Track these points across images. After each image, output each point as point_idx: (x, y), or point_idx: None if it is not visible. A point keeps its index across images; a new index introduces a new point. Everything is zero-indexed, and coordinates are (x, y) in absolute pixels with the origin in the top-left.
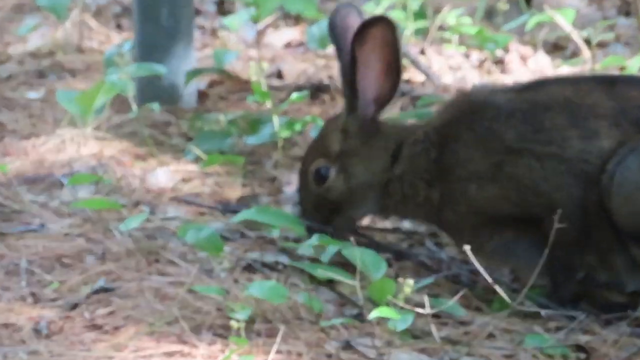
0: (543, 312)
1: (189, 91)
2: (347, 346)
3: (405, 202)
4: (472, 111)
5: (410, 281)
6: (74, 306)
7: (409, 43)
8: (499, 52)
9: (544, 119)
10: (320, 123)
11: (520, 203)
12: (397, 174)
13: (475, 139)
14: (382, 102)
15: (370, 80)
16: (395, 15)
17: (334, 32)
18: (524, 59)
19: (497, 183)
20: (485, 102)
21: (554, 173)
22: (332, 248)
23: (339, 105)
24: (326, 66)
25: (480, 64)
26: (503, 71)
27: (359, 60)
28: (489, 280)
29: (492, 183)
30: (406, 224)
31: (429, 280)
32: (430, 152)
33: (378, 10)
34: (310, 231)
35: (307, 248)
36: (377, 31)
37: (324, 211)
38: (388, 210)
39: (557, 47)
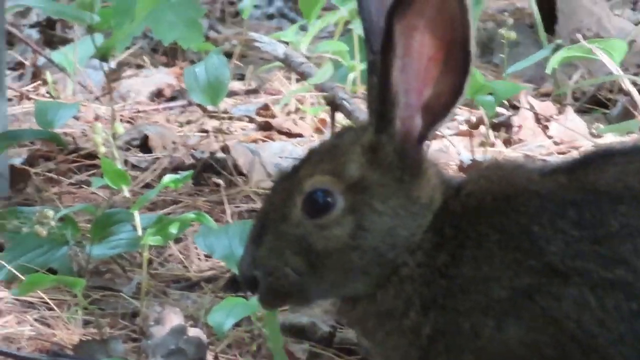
0: None
1: None
2: None
3: (389, 317)
4: (506, 198)
5: None
6: None
7: (354, 93)
8: (502, 110)
9: (610, 220)
10: (212, 225)
11: (557, 358)
12: (418, 259)
13: (507, 245)
14: (435, 114)
15: (417, 74)
16: (336, 48)
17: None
18: (542, 121)
19: (523, 322)
20: (524, 188)
21: (619, 315)
22: None
23: (240, 196)
24: (220, 130)
25: (470, 129)
26: (508, 141)
27: (397, 41)
28: None
29: (517, 320)
30: None
31: None
32: (437, 254)
33: (307, 38)
34: None
35: None
36: None
37: (295, 266)
38: (361, 312)
39: (598, 103)
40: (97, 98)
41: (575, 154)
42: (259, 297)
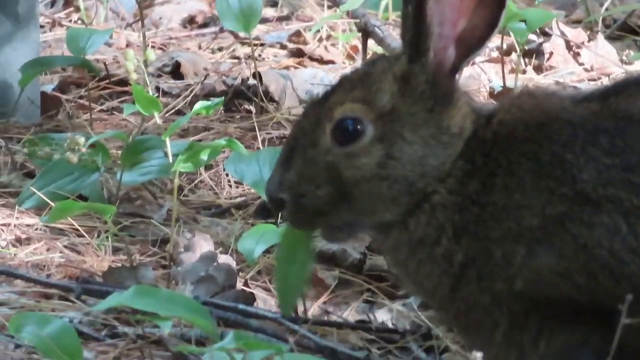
0: None
1: (29, 96)
2: None
3: (421, 245)
4: (538, 126)
5: None
6: None
7: (386, 20)
8: (533, 37)
9: None
10: (243, 151)
11: (588, 286)
12: (449, 186)
13: (539, 173)
14: (469, 46)
15: (452, 6)
16: None
17: None
18: (573, 48)
19: (555, 250)
20: (556, 116)
21: None
22: (259, 354)
23: (271, 122)
24: (252, 57)
25: (502, 56)
26: (539, 68)
27: None
28: None
29: (548, 248)
30: (382, 314)
31: None
32: (469, 181)
33: None
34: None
35: (218, 354)
36: None
37: (325, 191)
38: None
39: (629, 30)
40: (129, 25)
41: (605, 81)
42: (286, 216)
